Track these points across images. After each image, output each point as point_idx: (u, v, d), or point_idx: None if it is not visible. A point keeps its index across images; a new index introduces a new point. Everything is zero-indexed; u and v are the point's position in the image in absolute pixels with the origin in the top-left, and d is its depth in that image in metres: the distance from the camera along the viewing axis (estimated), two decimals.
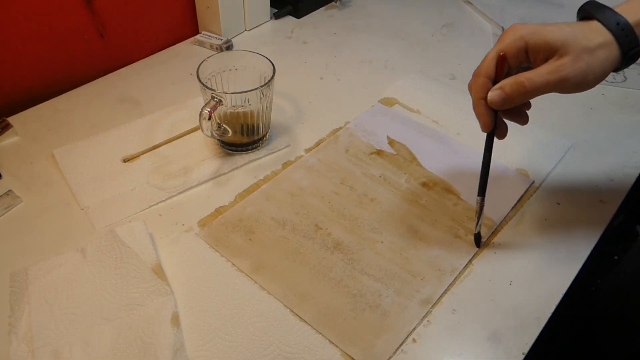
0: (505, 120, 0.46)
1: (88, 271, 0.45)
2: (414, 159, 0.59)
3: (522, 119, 0.46)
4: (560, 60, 0.40)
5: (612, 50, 0.40)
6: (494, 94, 0.42)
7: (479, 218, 0.48)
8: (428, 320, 0.44)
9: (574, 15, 0.45)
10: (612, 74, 0.74)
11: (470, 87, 0.45)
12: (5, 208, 0.51)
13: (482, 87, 0.43)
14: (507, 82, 0.42)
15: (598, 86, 0.74)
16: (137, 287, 0.44)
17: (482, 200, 0.47)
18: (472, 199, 0.54)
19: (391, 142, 0.61)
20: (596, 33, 0.40)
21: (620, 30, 0.40)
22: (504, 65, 0.43)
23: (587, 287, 0.80)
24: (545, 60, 0.41)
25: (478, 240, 0.49)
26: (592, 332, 0.79)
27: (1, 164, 0.56)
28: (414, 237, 0.50)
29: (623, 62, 0.41)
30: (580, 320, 0.78)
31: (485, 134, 0.46)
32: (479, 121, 0.45)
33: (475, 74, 0.44)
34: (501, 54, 0.42)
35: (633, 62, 0.42)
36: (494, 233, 0.51)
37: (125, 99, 0.66)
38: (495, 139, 0.46)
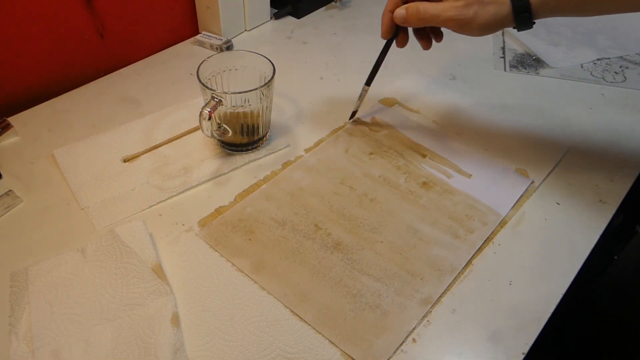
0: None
1: (88, 271, 0.45)
2: (414, 158, 0.59)
3: (425, 43, 0.56)
4: (455, 3, 0.48)
5: (503, 9, 0.48)
6: (398, 11, 0.51)
7: (359, 101, 0.61)
8: (428, 320, 0.44)
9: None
10: (612, 73, 0.75)
11: None
12: (5, 208, 0.51)
13: (392, 2, 0.52)
14: (410, 5, 0.51)
15: (598, 86, 0.75)
16: (137, 287, 0.44)
17: (367, 90, 0.60)
18: (471, 197, 0.54)
19: (391, 142, 0.61)
20: None
21: None
22: None
23: (587, 287, 0.80)
24: None
25: (352, 115, 0.63)
26: (592, 332, 0.79)
27: (1, 164, 0.56)
28: (414, 237, 0.50)
29: (515, 23, 0.48)
30: (580, 320, 0.78)
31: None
32: (381, 28, 0.54)
33: None
34: None
35: (526, 25, 0.49)
36: (494, 233, 0.51)
37: (125, 99, 0.66)
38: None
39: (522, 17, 0.47)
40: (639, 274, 0.78)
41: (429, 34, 0.55)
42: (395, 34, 0.54)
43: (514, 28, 0.49)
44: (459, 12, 0.48)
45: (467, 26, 0.48)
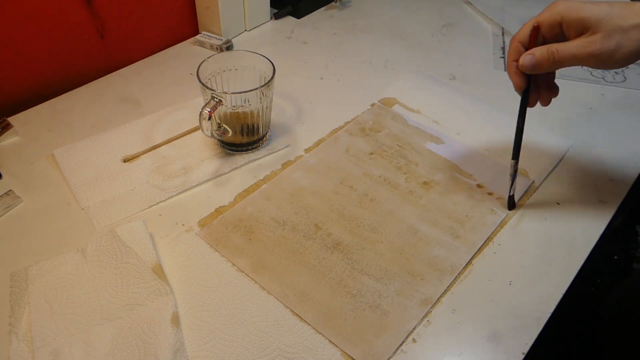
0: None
1: (88, 271, 0.45)
2: (414, 158, 0.59)
3: (550, 94, 0.49)
4: (591, 37, 0.42)
5: None
6: (525, 58, 0.45)
7: (513, 181, 0.51)
8: (428, 320, 0.44)
9: None
10: (612, 73, 0.75)
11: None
12: (5, 208, 0.51)
13: (514, 51, 0.47)
14: (538, 49, 0.45)
15: (598, 86, 0.75)
16: (137, 287, 0.44)
17: (516, 164, 0.51)
18: (471, 198, 0.54)
19: (391, 141, 0.61)
20: (634, 14, 0.41)
21: None
22: (537, 35, 0.46)
23: (587, 287, 0.80)
24: (579, 35, 0.43)
25: (512, 203, 0.53)
26: (592, 332, 0.79)
27: (1, 164, 0.56)
28: (414, 237, 0.50)
29: None
30: (580, 320, 0.78)
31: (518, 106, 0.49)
32: (512, 81, 0.48)
33: (512, 39, 0.48)
34: (535, 25, 0.46)
35: None
36: (494, 233, 0.51)
37: (125, 99, 0.66)
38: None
39: None
40: None
41: (552, 84, 0.50)
42: (529, 84, 0.48)
43: None
44: (600, 46, 0.42)
45: (611, 60, 0.42)
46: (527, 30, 0.46)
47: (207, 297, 0.44)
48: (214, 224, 0.51)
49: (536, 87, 0.49)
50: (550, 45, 0.44)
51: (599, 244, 0.51)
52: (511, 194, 0.52)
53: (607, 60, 0.43)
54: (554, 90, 0.50)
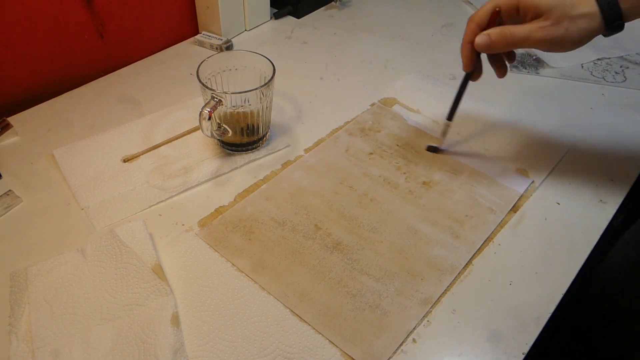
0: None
1: (88, 271, 0.45)
2: (414, 158, 0.59)
3: (500, 70, 0.53)
4: (543, 22, 0.46)
5: (595, 21, 0.45)
6: (480, 38, 0.48)
7: (444, 136, 0.58)
8: (428, 320, 0.44)
9: None
10: (613, 73, 0.75)
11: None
12: (5, 208, 0.51)
13: (471, 32, 0.50)
14: (493, 31, 0.48)
15: (598, 86, 0.75)
16: (137, 287, 0.44)
17: (449, 125, 0.57)
18: (471, 197, 0.54)
19: (391, 141, 0.61)
20: (584, 3, 0.45)
21: (607, 3, 0.44)
22: (497, 18, 0.49)
23: (587, 287, 0.80)
24: (533, 19, 0.47)
25: (433, 149, 0.59)
26: (592, 333, 0.79)
27: (1, 164, 0.56)
28: (414, 237, 0.50)
29: (606, 31, 0.46)
30: (580, 320, 0.78)
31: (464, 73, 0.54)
32: (462, 61, 0.52)
33: (469, 20, 0.50)
34: (497, 9, 0.48)
35: (617, 32, 0.46)
36: (494, 233, 0.51)
37: (125, 99, 0.66)
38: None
39: (616, 25, 0.45)
40: (629, 274, 0.78)
41: (503, 60, 0.53)
42: (476, 65, 0.52)
43: (603, 35, 0.47)
44: (550, 31, 0.45)
45: (560, 44, 0.46)
46: (485, 13, 0.49)
47: (207, 297, 0.44)
48: (213, 224, 0.51)
49: (496, 59, 0.53)
50: (504, 27, 0.47)
51: (599, 244, 0.51)
52: (438, 145, 0.59)
53: (556, 45, 0.46)
54: (512, 58, 0.53)
